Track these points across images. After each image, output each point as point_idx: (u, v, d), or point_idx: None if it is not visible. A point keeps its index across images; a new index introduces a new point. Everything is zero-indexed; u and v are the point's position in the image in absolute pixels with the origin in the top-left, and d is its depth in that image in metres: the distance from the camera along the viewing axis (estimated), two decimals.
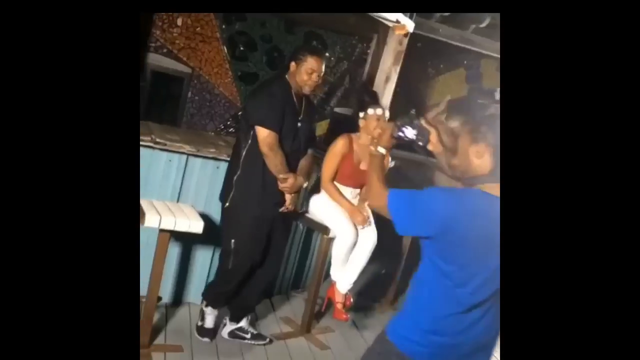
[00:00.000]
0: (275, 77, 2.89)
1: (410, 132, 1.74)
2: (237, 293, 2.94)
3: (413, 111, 2.54)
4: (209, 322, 2.94)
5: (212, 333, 2.95)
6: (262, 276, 2.95)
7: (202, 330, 2.93)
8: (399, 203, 1.56)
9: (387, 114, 3.15)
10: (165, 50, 4.47)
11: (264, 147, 2.64)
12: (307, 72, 2.70)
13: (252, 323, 3.09)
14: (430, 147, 1.80)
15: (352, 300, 3.22)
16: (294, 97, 2.77)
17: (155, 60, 4.43)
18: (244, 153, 2.72)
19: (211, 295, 2.93)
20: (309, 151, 2.92)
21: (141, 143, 2.81)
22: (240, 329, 3.00)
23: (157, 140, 2.87)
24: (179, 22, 4.45)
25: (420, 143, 1.77)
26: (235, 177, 2.74)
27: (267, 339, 3.05)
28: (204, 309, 2.94)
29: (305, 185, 2.88)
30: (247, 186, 2.73)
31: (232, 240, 2.76)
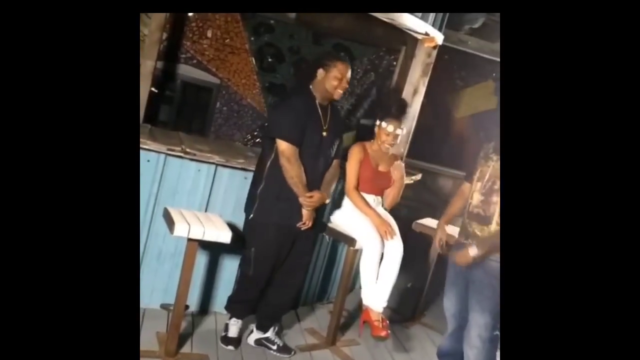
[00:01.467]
0: (298, 88, 2.88)
1: None
2: (262, 302, 2.95)
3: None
4: (233, 332, 2.96)
5: (237, 342, 2.96)
6: (287, 286, 2.96)
7: (225, 339, 2.95)
8: None
9: (402, 131, 3.17)
10: (195, 61, 4.54)
11: (282, 159, 2.64)
12: (336, 78, 2.71)
13: (279, 334, 3.09)
14: None
15: (387, 321, 3.12)
16: (318, 109, 2.77)
17: (185, 71, 4.51)
18: (267, 165, 2.73)
19: (233, 305, 2.95)
20: (335, 161, 2.90)
21: (172, 153, 2.86)
22: (267, 339, 3.01)
23: (187, 150, 2.91)
24: (209, 33, 4.52)
25: None
26: (259, 190, 2.75)
27: (293, 352, 3.04)
28: (227, 321, 2.97)
29: (327, 201, 2.86)
30: (271, 198, 2.73)
31: (253, 249, 2.78)
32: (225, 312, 3.05)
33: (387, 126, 3.09)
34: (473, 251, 2.50)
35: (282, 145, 2.64)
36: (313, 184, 2.75)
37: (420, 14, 3.74)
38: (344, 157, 3.10)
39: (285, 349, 3.03)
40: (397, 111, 3.17)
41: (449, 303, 2.76)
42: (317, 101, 2.77)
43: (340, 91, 2.76)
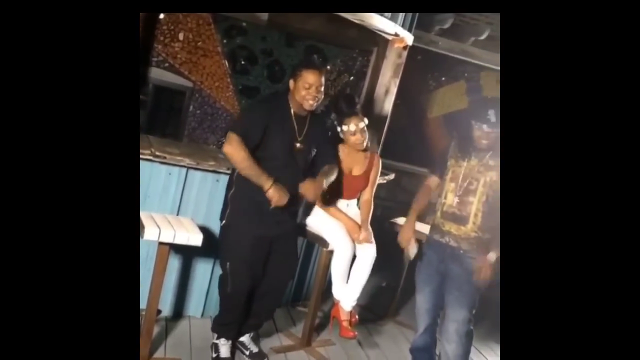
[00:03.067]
0: (276, 94, 2.81)
1: None
2: (246, 315, 2.89)
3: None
4: (225, 352, 2.85)
5: None
6: (272, 293, 2.90)
7: None
8: None
9: (365, 122, 3.06)
10: (167, 65, 4.51)
11: (224, 148, 2.53)
12: (304, 87, 2.60)
13: (255, 339, 3.05)
14: None
15: (357, 317, 3.17)
16: (292, 118, 2.67)
17: (157, 74, 4.47)
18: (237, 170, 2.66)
19: (219, 328, 2.86)
20: (326, 167, 2.79)
21: (141, 156, 2.82)
22: (241, 343, 2.98)
23: (157, 153, 2.89)
24: (181, 36, 4.49)
25: None
26: (229, 194, 2.70)
27: (266, 358, 3.01)
28: (215, 341, 2.86)
29: (325, 188, 2.70)
30: (241, 204, 2.67)
31: (228, 264, 2.69)
32: (199, 316, 3.03)
33: (347, 127, 3.03)
34: (493, 256, 2.48)
35: (228, 136, 2.53)
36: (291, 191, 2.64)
37: (389, 15, 3.78)
38: None
39: (258, 356, 2.98)
40: (348, 108, 3.07)
41: (423, 299, 2.78)
42: (292, 111, 2.68)
43: (310, 101, 2.63)
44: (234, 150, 2.51)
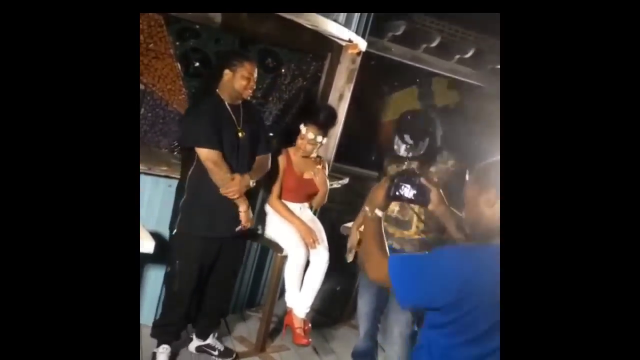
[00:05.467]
0: (205, 91, 2.80)
1: (408, 192, 1.57)
2: (199, 313, 2.95)
3: (414, 165, 2.48)
4: None
5: None
6: (219, 294, 2.95)
7: None
8: (402, 270, 1.35)
9: (323, 140, 3.14)
10: None
11: (208, 164, 2.58)
12: (245, 77, 2.64)
13: (220, 339, 3.10)
14: (431, 207, 1.65)
15: (309, 325, 3.17)
16: (229, 110, 2.70)
17: None
18: (189, 175, 2.66)
19: (159, 330, 2.83)
20: (263, 156, 2.84)
21: None
22: (208, 345, 3.02)
23: None
24: None
25: (421, 203, 1.61)
26: (181, 202, 2.68)
27: (234, 355, 3.06)
28: (155, 349, 2.82)
29: (252, 184, 2.75)
30: (194, 209, 2.66)
31: (177, 262, 2.70)
32: (150, 324, 2.97)
33: (307, 132, 3.06)
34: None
35: (204, 152, 2.57)
36: None
37: (343, 21, 3.81)
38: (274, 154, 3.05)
39: (226, 353, 3.04)
40: (324, 119, 3.14)
41: (364, 303, 2.78)
42: (226, 102, 2.70)
43: (249, 91, 2.70)
44: (219, 168, 2.58)
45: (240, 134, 2.71)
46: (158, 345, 2.82)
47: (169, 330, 2.83)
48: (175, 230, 2.71)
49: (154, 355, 2.83)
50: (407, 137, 2.41)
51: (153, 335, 2.86)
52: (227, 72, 2.66)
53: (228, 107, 2.70)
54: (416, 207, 2.52)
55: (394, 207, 2.60)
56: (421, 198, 1.59)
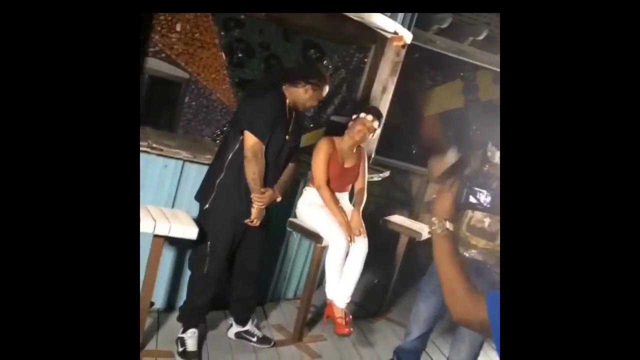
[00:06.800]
0: (272, 84, 2.79)
1: (484, 198, 1.32)
2: (232, 300, 2.99)
3: (486, 167, 2.32)
4: (192, 345, 2.82)
5: (197, 356, 2.84)
6: (246, 279, 2.95)
7: (185, 355, 2.79)
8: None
9: (378, 128, 3.23)
10: (163, 55, 4.48)
11: (248, 152, 2.60)
12: (317, 98, 2.75)
13: (258, 326, 3.16)
14: None
15: (350, 317, 3.15)
16: (286, 111, 2.73)
17: (154, 64, 4.44)
18: (229, 156, 2.69)
19: (187, 313, 2.85)
20: (291, 164, 2.88)
21: None
22: (247, 331, 3.08)
23: (154, 145, 2.88)
24: (178, 27, 4.46)
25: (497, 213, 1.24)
26: (218, 180, 2.71)
27: (272, 342, 3.11)
28: (181, 335, 2.83)
29: (278, 199, 2.81)
30: (229, 190, 2.70)
31: (209, 243, 2.73)
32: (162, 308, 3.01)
33: (366, 115, 3.13)
34: None
35: (251, 139, 2.60)
36: (270, 185, 2.75)
37: (389, 13, 3.78)
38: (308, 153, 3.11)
39: (265, 340, 3.10)
40: (376, 112, 3.22)
41: (425, 308, 2.74)
42: (287, 104, 2.74)
43: (306, 108, 2.85)
44: (258, 161, 2.62)
45: (287, 137, 2.75)
46: (185, 330, 2.84)
47: (198, 313, 2.86)
48: (206, 206, 2.74)
49: (182, 340, 2.82)
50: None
51: (180, 319, 2.88)
52: (304, 84, 2.71)
53: (288, 109, 2.74)
54: None
55: (483, 217, 2.50)
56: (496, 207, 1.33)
